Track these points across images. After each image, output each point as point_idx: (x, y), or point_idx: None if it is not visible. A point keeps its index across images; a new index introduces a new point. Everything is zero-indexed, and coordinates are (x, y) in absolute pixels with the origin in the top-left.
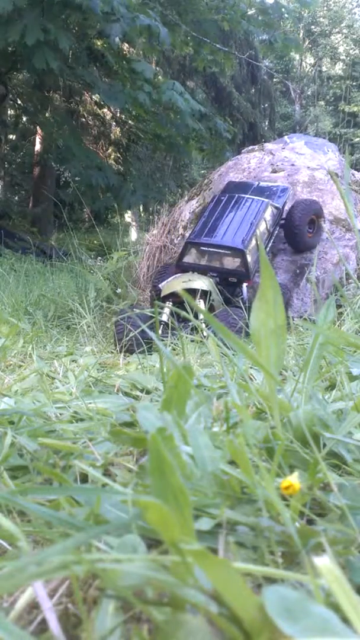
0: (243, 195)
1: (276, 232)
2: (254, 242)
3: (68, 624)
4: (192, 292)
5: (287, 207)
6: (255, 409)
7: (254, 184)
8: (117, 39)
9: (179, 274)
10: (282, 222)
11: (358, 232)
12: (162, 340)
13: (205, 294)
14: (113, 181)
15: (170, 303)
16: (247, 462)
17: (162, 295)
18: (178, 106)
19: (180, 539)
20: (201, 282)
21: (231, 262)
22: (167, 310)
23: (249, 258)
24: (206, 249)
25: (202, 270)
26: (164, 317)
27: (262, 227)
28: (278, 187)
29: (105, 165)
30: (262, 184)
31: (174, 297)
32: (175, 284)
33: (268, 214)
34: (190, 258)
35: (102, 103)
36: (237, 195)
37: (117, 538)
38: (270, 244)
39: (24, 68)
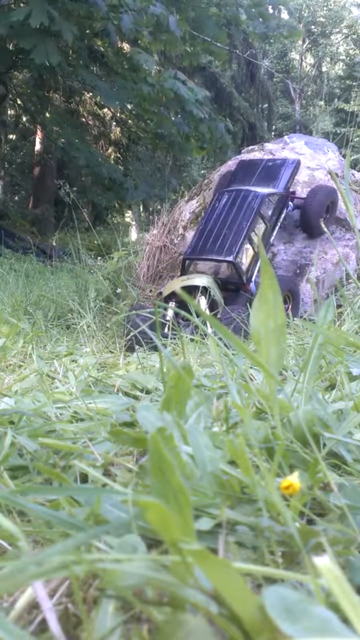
0: (240, 190)
1: (282, 217)
2: (246, 245)
3: (68, 624)
4: (194, 289)
5: (303, 190)
6: (255, 409)
7: (262, 163)
8: (116, 36)
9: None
10: (298, 202)
11: (358, 232)
12: (165, 339)
13: (205, 291)
14: (117, 175)
15: (173, 303)
16: (247, 462)
17: (164, 295)
18: (181, 94)
19: (180, 539)
20: (201, 280)
21: (226, 272)
22: (171, 310)
23: (241, 265)
24: (202, 262)
25: None
26: (170, 316)
27: (259, 225)
28: (284, 161)
29: (107, 163)
30: (270, 162)
31: (176, 296)
32: (176, 283)
33: (265, 208)
34: (192, 271)
35: (102, 103)
36: (234, 193)
37: (117, 538)
38: (274, 234)
39: (25, 65)
